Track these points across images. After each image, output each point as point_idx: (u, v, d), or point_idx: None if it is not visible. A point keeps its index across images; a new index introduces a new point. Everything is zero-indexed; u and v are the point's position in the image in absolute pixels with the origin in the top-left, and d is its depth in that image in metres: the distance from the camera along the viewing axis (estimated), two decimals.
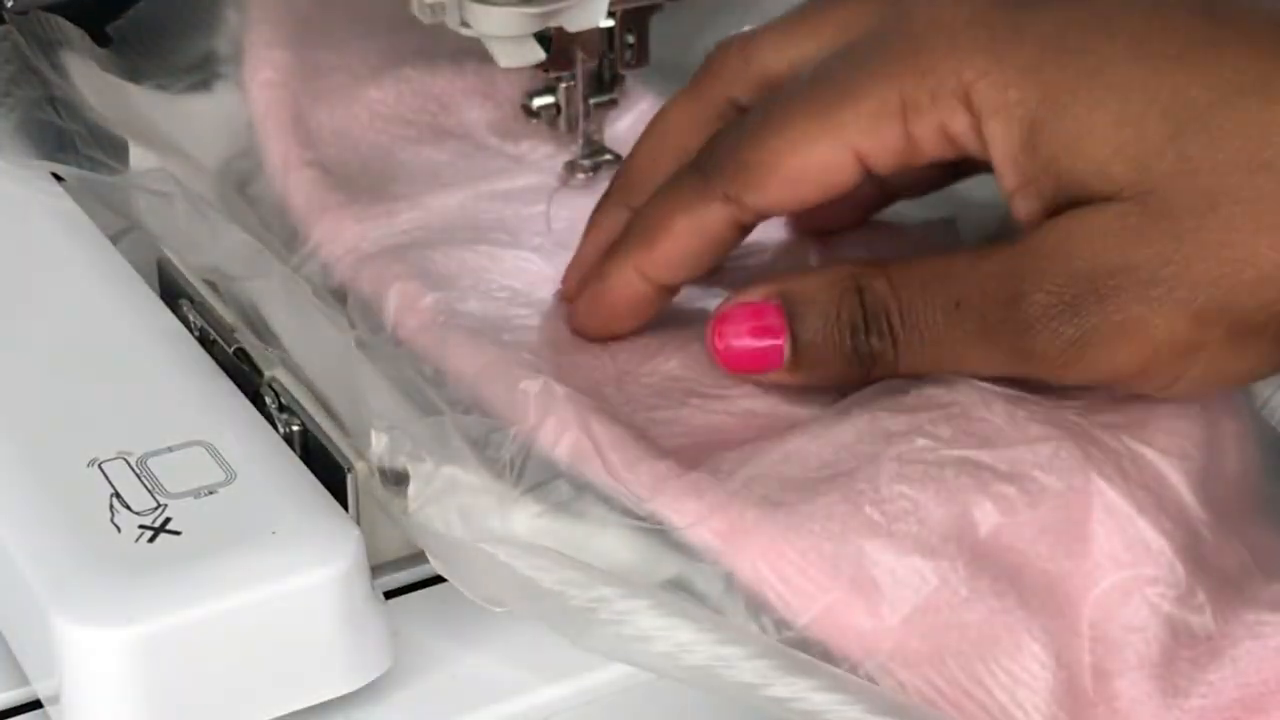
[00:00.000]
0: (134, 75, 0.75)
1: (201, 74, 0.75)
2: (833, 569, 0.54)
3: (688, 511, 0.55)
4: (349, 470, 0.57)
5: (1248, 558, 0.58)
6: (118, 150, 0.70)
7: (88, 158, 0.69)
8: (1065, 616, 0.55)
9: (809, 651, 0.54)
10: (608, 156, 0.72)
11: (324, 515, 0.54)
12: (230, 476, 0.54)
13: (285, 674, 0.52)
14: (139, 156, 0.69)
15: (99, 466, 0.55)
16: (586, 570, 0.54)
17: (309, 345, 0.61)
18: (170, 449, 0.55)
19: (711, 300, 0.66)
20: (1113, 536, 0.56)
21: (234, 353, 0.61)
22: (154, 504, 0.54)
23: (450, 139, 0.74)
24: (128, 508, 0.53)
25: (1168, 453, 0.58)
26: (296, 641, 0.52)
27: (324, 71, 0.75)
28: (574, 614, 0.53)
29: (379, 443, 0.57)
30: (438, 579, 0.57)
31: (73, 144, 0.70)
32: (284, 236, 0.69)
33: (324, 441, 0.58)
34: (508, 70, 0.71)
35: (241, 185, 0.72)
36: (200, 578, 0.51)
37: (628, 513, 0.56)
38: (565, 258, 0.68)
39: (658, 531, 0.56)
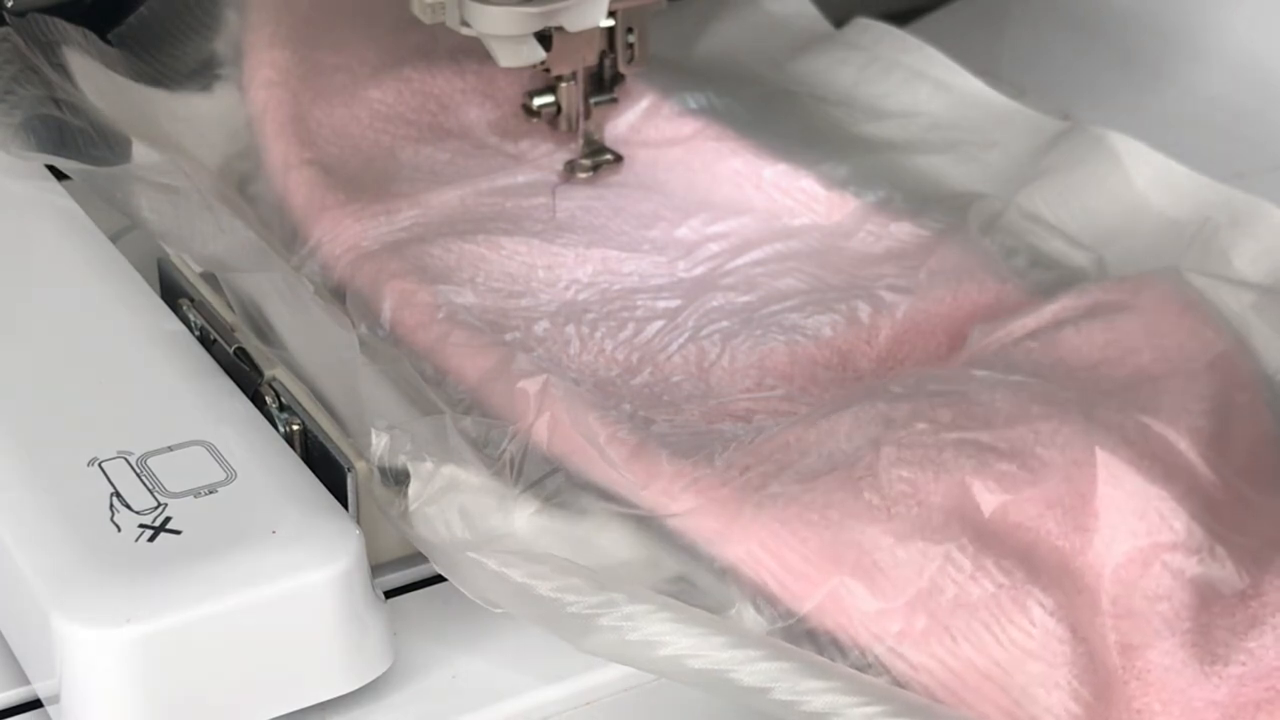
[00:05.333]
0: (136, 77, 0.75)
1: (203, 76, 0.75)
2: (834, 555, 0.54)
3: (686, 502, 0.56)
4: (349, 470, 0.57)
5: (1271, 526, 0.58)
6: (121, 147, 0.70)
7: (90, 155, 0.69)
8: (1083, 593, 0.55)
9: (815, 638, 0.54)
10: (608, 156, 0.72)
11: (324, 515, 0.54)
12: (230, 476, 0.55)
13: (285, 674, 0.52)
14: (141, 154, 0.69)
15: (99, 466, 0.55)
16: (587, 576, 0.54)
17: (310, 344, 0.61)
18: (170, 448, 0.56)
19: (710, 302, 0.66)
20: (1123, 506, 0.56)
21: (234, 352, 0.61)
22: (154, 503, 0.54)
23: (450, 138, 0.74)
24: (128, 507, 0.54)
25: (1175, 423, 0.58)
26: (296, 641, 0.52)
27: (324, 71, 0.75)
28: (574, 619, 0.53)
29: (379, 442, 0.57)
30: (438, 579, 0.57)
31: (75, 141, 0.70)
32: (284, 235, 0.69)
33: (324, 441, 0.58)
34: (508, 70, 0.71)
35: (242, 185, 0.72)
36: (200, 577, 0.52)
37: (627, 507, 0.56)
38: (567, 241, 0.68)
39: (657, 524, 0.56)
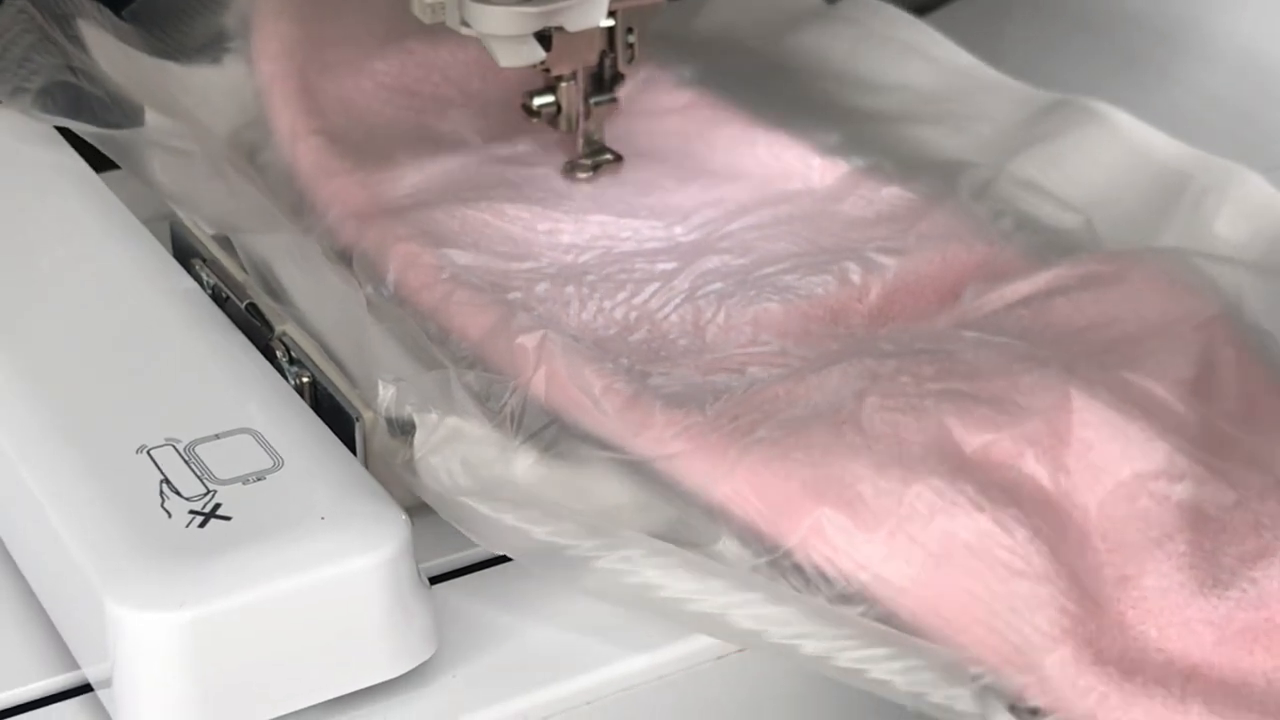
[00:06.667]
0: (149, 51, 0.76)
1: (213, 50, 0.77)
2: (816, 489, 0.56)
3: (676, 447, 0.58)
4: (357, 419, 0.59)
5: (1266, 458, 0.59)
6: (134, 114, 0.71)
7: (105, 121, 0.70)
8: (1070, 530, 0.56)
9: (802, 571, 0.56)
10: (608, 156, 0.74)
11: (370, 501, 0.55)
12: (278, 463, 0.56)
13: (333, 658, 0.53)
14: (154, 119, 0.71)
15: (148, 453, 0.56)
16: (584, 520, 0.56)
17: (319, 302, 0.63)
18: (218, 436, 0.56)
19: (706, 264, 0.68)
20: (1106, 444, 0.57)
21: (245, 308, 0.63)
22: (204, 490, 0.55)
23: (453, 108, 0.76)
24: (178, 494, 0.54)
25: (1157, 376, 0.60)
26: (346, 625, 0.53)
27: (330, 44, 0.77)
28: (572, 561, 0.55)
29: (385, 393, 0.59)
30: (441, 578, 0.59)
31: (91, 107, 0.71)
32: (292, 202, 0.71)
33: (332, 392, 0.60)
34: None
35: (251, 154, 0.74)
36: (251, 562, 0.53)
37: (621, 453, 0.58)
38: (567, 208, 0.70)
39: (651, 471, 0.58)
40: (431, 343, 0.63)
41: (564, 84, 0.73)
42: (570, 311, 0.66)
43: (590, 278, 0.68)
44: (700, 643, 0.56)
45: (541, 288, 0.67)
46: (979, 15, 0.89)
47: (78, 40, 0.73)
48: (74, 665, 0.55)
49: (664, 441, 0.58)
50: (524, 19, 0.68)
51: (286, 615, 0.52)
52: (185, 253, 0.67)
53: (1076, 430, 0.57)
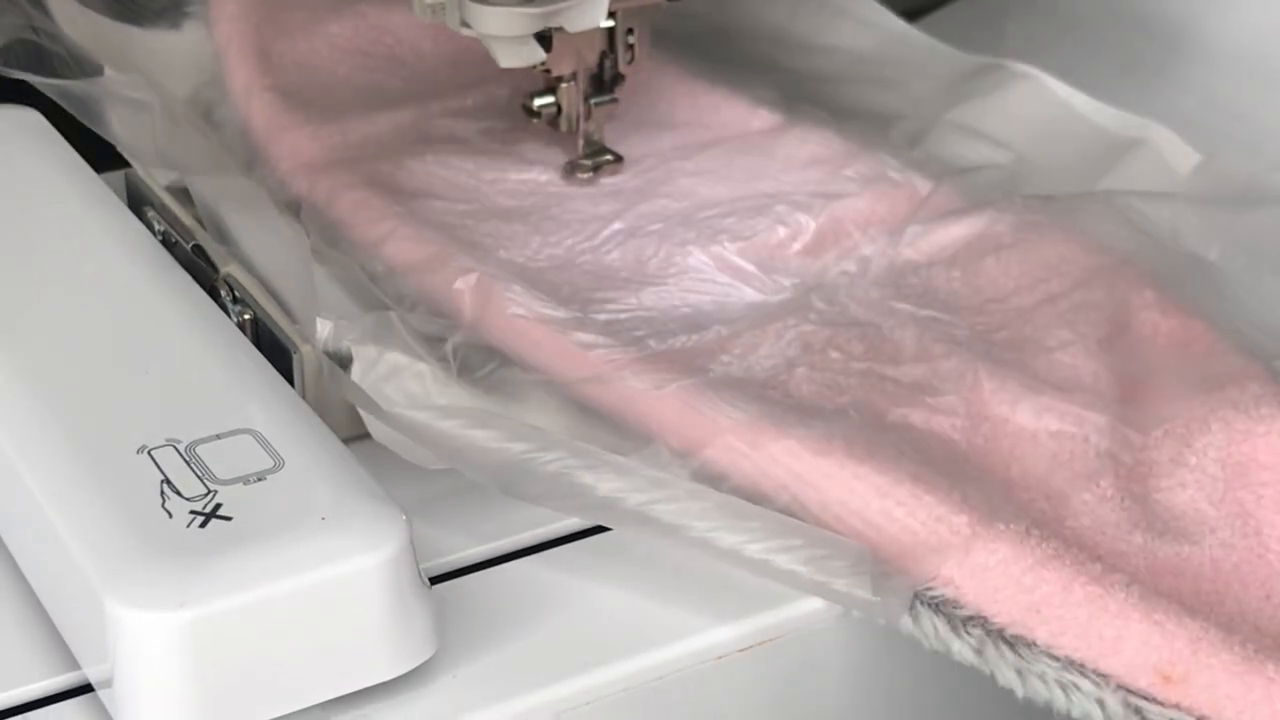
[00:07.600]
0: (109, 15, 0.78)
1: (173, 14, 0.79)
2: (743, 416, 0.59)
3: (612, 376, 0.60)
4: (295, 352, 0.61)
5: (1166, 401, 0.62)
6: (94, 73, 0.73)
7: (65, 77, 0.72)
8: (994, 479, 0.58)
9: (720, 476, 0.58)
10: (608, 156, 0.75)
11: (371, 501, 0.55)
12: (279, 464, 0.55)
13: (334, 658, 0.53)
14: (112, 74, 0.73)
15: (148, 453, 0.56)
16: (525, 429, 0.58)
17: (266, 246, 0.65)
18: (218, 436, 0.56)
19: (647, 208, 0.71)
20: (1020, 416, 0.60)
21: (191, 249, 0.65)
22: (204, 490, 0.54)
23: (404, 68, 0.79)
24: (178, 494, 0.54)
25: (1073, 339, 0.63)
26: (346, 626, 0.53)
27: (286, 7, 0.79)
28: (511, 467, 0.57)
29: (323, 329, 0.61)
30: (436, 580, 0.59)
31: (51, 64, 0.73)
32: (246, 157, 0.73)
33: (273, 329, 0.62)
34: None
35: (207, 111, 0.77)
36: (251, 563, 0.52)
37: (554, 385, 0.61)
38: (512, 161, 0.73)
39: (588, 402, 0.60)
40: (375, 284, 0.65)
41: (564, 85, 0.73)
42: (515, 247, 0.69)
43: (534, 218, 0.71)
44: (700, 643, 0.57)
45: (487, 226, 0.69)
46: (979, 15, 0.90)
47: (39, 3, 0.75)
48: (74, 665, 0.55)
49: (599, 370, 0.60)
50: (524, 20, 0.68)
51: (287, 615, 0.52)
52: (139, 201, 0.70)
53: (992, 407, 0.60)
